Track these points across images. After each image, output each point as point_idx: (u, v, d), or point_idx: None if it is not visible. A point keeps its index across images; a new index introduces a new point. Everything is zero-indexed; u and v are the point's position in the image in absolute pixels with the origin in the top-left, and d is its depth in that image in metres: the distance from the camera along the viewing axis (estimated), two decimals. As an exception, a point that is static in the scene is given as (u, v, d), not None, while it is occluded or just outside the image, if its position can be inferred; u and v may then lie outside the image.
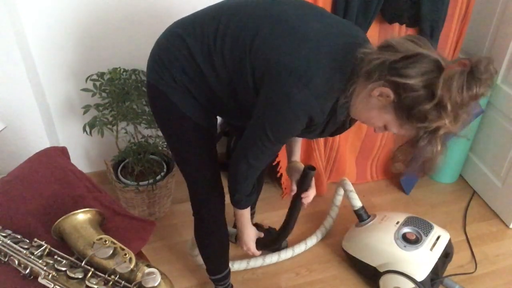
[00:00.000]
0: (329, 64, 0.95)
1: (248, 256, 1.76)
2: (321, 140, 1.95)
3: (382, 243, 1.57)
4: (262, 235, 1.37)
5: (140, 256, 1.02)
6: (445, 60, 0.87)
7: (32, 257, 0.86)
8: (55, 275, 0.84)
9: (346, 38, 1.00)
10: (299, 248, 1.81)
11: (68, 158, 1.22)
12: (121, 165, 1.89)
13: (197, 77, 1.11)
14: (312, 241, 1.85)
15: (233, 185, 1.18)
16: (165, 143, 1.80)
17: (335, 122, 1.07)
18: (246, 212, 1.27)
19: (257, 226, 1.41)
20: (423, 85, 0.85)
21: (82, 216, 0.93)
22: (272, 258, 1.75)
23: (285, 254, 1.78)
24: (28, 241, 0.90)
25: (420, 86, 0.85)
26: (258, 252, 1.37)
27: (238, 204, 1.22)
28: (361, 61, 0.92)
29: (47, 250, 0.88)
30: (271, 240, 1.41)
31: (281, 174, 2.02)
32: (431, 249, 1.54)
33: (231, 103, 1.13)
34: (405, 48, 0.87)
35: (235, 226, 1.36)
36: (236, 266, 1.70)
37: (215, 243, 1.44)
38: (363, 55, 0.92)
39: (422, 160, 0.98)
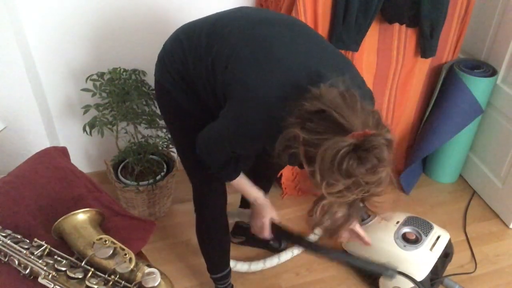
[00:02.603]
0: (294, 100, 0.90)
1: (249, 258, 1.76)
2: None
3: (382, 242, 1.57)
4: (274, 212, 1.26)
5: (140, 256, 1.02)
6: (365, 126, 0.81)
7: (32, 257, 0.86)
8: (55, 275, 0.84)
9: (324, 73, 0.95)
10: (297, 249, 1.81)
11: (68, 158, 1.22)
12: (121, 165, 1.89)
13: (189, 82, 1.15)
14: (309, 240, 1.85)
15: (205, 161, 1.17)
16: (165, 143, 1.81)
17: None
18: (240, 181, 1.22)
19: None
20: (308, 145, 0.82)
21: (82, 216, 0.93)
22: (273, 261, 1.75)
23: (285, 256, 1.78)
24: (28, 241, 0.90)
25: (313, 144, 0.82)
26: (267, 232, 1.25)
27: (218, 176, 1.20)
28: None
29: (47, 250, 0.88)
30: (286, 232, 1.30)
31: (281, 174, 2.02)
32: (431, 249, 1.54)
33: (218, 110, 1.13)
34: (327, 101, 0.83)
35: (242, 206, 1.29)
36: (238, 266, 1.70)
37: (215, 241, 1.44)
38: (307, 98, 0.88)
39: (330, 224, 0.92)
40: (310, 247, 1.31)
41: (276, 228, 1.26)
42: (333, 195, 0.82)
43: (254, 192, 1.25)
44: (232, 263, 1.66)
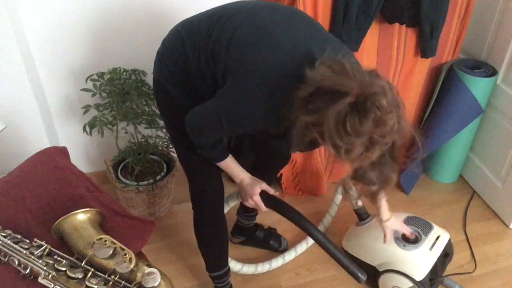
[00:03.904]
0: (294, 82, 0.92)
1: (250, 259, 1.76)
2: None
3: (381, 242, 1.57)
4: (263, 184, 1.28)
5: (140, 256, 1.02)
6: (363, 84, 0.82)
7: (32, 257, 0.86)
8: (55, 275, 0.84)
9: (320, 53, 0.97)
10: (301, 248, 1.81)
11: (68, 158, 1.22)
12: (121, 165, 1.89)
13: (188, 74, 1.16)
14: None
15: (193, 140, 1.17)
16: (165, 143, 1.81)
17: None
18: (228, 162, 1.24)
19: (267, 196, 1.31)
20: (317, 125, 0.84)
21: (82, 216, 0.93)
22: (278, 262, 1.75)
23: (289, 256, 1.78)
24: (28, 241, 0.91)
25: (320, 122, 0.84)
26: (263, 206, 1.29)
27: (207, 157, 1.21)
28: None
29: (47, 250, 0.88)
30: (278, 202, 1.32)
31: (281, 174, 2.02)
32: (430, 249, 1.54)
33: None
34: (317, 79, 0.85)
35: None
36: (245, 269, 1.69)
37: (213, 238, 1.45)
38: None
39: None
40: (300, 221, 1.30)
41: (268, 201, 1.29)
42: (356, 160, 0.83)
43: (241, 174, 1.27)
44: (238, 266, 1.66)
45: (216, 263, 1.51)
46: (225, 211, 1.50)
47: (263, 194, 1.28)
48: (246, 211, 1.74)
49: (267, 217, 1.93)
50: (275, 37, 1.00)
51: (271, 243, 1.82)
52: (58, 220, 0.90)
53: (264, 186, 1.29)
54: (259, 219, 1.84)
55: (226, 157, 1.23)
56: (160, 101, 1.29)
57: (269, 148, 1.47)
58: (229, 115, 1.05)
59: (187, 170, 1.32)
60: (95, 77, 1.66)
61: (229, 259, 1.60)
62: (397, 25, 1.74)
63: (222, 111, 1.06)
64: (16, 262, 0.87)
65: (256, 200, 1.27)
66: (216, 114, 1.07)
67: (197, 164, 1.29)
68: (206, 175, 1.31)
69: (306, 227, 1.30)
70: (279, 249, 1.82)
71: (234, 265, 1.65)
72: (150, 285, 0.83)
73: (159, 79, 1.22)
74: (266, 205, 1.29)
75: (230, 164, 1.25)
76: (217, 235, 1.44)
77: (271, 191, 1.29)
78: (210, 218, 1.40)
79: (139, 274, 0.85)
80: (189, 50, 1.13)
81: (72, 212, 0.92)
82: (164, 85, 1.21)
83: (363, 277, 1.30)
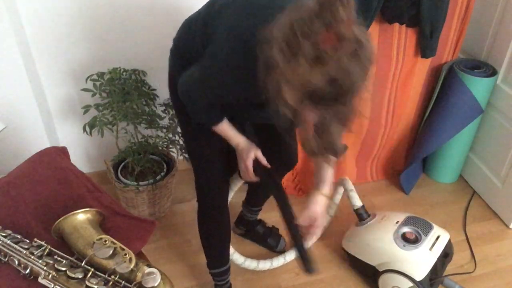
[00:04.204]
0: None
1: (250, 257, 1.76)
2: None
3: (381, 242, 1.57)
4: (258, 152, 1.26)
5: (140, 256, 1.02)
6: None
7: (32, 257, 0.86)
8: (55, 275, 0.84)
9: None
10: None
11: (68, 158, 1.22)
12: (121, 165, 1.89)
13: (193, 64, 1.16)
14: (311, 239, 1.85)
15: (186, 107, 1.17)
16: (165, 143, 1.81)
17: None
18: (224, 126, 1.21)
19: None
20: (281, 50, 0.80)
21: (82, 216, 0.93)
22: (279, 261, 1.75)
23: (290, 256, 1.78)
24: (28, 241, 0.91)
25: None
26: (252, 173, 1.26)
27: (201, 121, 1.20)
28: None
29: (47, 250, 0.88)
30: (270, 178, 1.29)
31: (281, 174, 2.02)
32: (430, 249, 1.54)
33: None
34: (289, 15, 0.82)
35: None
36: (247, 263, 1.69)
37: (216, 231, 1.46)
38: None
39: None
40: (278, 196, 1.25)
41: (259, 170, 1.26)
42: (300, 76, 0.78)
43: (237, 137, 1.25)
44: (241, 259, 1.67)
45: (217, 260, 1.52)
46: (230, 196, 1.51)
47: (257, 164, 1.26)
48: (250, 204, 1.75)
49: (268, 217, 1.93)
50: (257, 3, 0.99)
51: (268, 241, 1.83)
52: (58, 220, 0.90)
53: (259, 153, 1.26)
54: (263, 217, 1.84)
55: (221, 121, 1.20)
56: (174, 96, 1.30)
57: (273, 150, 1.46)
58: (208, 77, 1.05)
59: (194, 163, 1.34)
60: (95, 77, 1.66)
61: (233, 250, 1.61)
62: (397, 25, 1.74)
63: (203, 75, 1.06)
64: (16, 262, 0.87)
65: (247, 165, 1.24)
66: (198, 77, 1.07)
67: (204, 158, 1.30)
68: (214, 176, 1.32)
69: (281, 204, 1.24)
70: (275, 249, 1.82)
71: (237, 257, 1.66)
72: (150, 285, 0.83)
73: (173, 73, 1.25)
74: (256, 173, 1.26)
75: (226, 129, 1.23)
76: (220, 231, 1.45)
77: (264, 161, 1.26)
78: (214, 213, 1.41)
79: (139, 274, 0.85)
80: (191, 37, 1.15)
81: (72, 212, 0.91)
82: (176, 80, 1.22)
83: (313, 270, 1.20)
